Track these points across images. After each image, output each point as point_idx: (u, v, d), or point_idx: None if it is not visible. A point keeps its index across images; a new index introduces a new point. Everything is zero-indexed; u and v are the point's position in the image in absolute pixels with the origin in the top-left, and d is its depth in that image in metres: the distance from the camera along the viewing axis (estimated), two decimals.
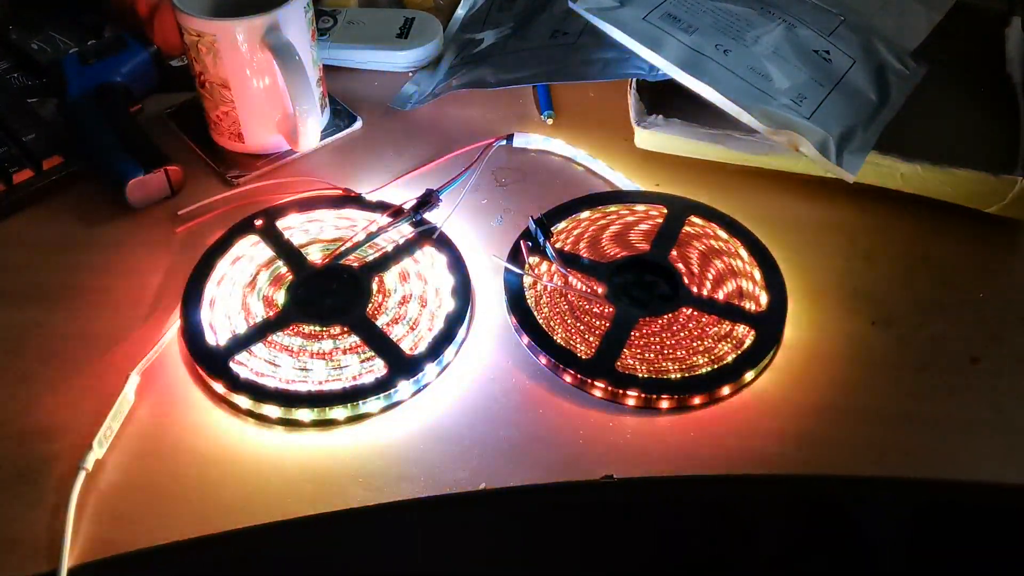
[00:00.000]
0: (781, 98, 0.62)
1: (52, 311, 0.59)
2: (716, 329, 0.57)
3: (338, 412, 0.53)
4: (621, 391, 0.53)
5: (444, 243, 0.61)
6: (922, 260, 0.62)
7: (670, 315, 0.57)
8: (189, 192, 0.67)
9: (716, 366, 0.55)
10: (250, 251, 0.61)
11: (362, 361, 0.55)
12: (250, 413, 0.53)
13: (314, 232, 0.63)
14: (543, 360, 0.56)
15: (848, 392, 0.55)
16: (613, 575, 0.59)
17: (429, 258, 0.61)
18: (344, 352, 0.55)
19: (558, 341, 0.56)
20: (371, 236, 0.61)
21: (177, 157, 0.67)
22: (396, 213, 0.63)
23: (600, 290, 0.58)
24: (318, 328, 0.56)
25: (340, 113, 0.73)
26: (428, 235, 0.61)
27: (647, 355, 0.55)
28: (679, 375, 0.54)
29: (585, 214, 0.63)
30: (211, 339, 0.56)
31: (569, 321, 0.57)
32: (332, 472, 0.51)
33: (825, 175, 0.64)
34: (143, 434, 0.53)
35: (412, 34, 0.77)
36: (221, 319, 0.57)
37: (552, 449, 0.52)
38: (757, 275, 0.59)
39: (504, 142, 0.70)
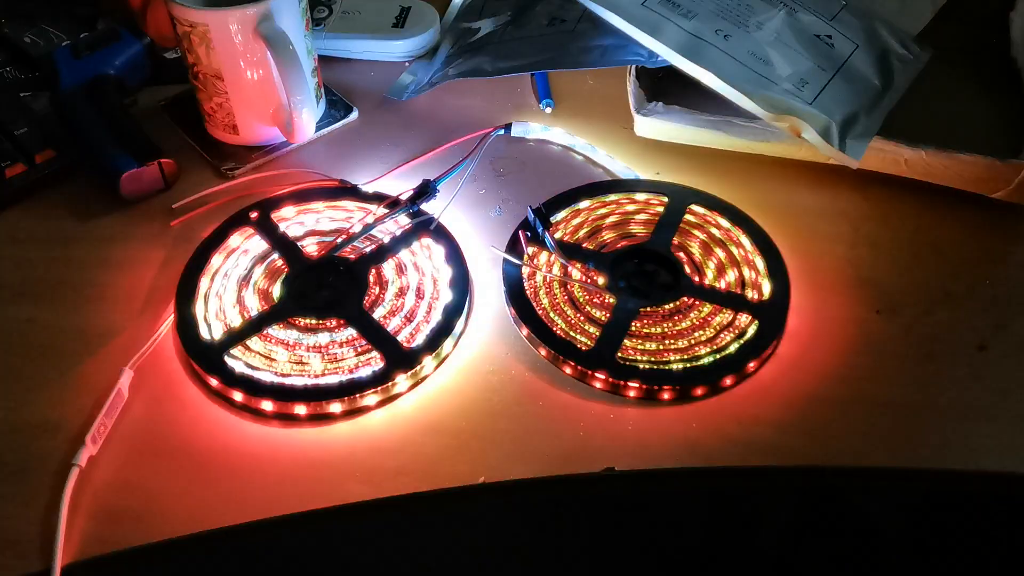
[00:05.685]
0: (783, 84, 0.61)
1: (45, 306, 0.58)
2: (718, 319, 0.56)
3: (335, 406, 0.52)
4: (622, 382, 0.53)
5: (442, 234, 0.61)
6: (927, 247, 0.61)
7: (671, 305, 0.56)
8: (183, 185, 0.66)
9: (718, 356, 0.54)
10: (245, 244, 0.61)
11: (359, 354, 0.54)
12: (245, 408, 0.53)
13: (310, 224, 0.62)
14: (543, 352, 0.55)
15: (852, 381, 0.54)
16: (615, 568, 0.58)
17: (426, 249, 0.60)
18: (341, 345, 0.55)
19: (558, 332, 0.55)
20: (367, 228, 0.61)
21: (171, 150, 0.66)
22: (393, 204, 0.62)
23: (600, 280, 0.58)
24: (314, 321, 0.56)
25: (336, 104, 0.72)
26: (425, 226, 0.61)
27: (648, 346, 0.54)
28: (681, 366, 0.53)
29: (584, 204, 0.63)
30: (205, 333, 0.55)
31: (569, 312, 0.56)
32: (329, 467, 0.50)
33: (828, 161, 0.63)
34: (137, 430, 0.52)
35: (408, 23, 0.77)
36: (216, 313, 0.57)
37: (552, 442, 0.51)
38: (759, 263, 0.58)
39: (502, 131, 0.69)
